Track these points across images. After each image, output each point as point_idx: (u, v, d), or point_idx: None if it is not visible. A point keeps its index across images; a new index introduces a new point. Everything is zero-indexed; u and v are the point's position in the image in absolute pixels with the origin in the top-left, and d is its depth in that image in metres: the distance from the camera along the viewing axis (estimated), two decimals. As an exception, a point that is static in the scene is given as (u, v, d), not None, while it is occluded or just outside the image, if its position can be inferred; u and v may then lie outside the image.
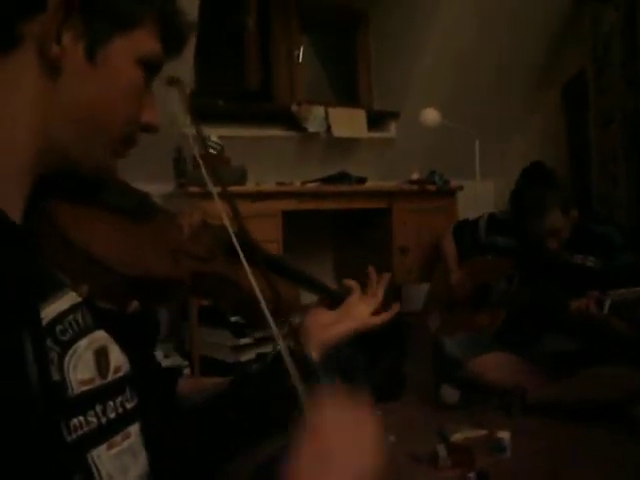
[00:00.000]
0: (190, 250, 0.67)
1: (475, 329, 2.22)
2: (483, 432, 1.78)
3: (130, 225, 0.60)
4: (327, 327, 0.83)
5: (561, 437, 1.75)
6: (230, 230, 0.69)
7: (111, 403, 0.54)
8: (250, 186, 2.50)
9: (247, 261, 0.66)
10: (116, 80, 0.54)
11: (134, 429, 0.56)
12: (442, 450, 1.60)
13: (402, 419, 1.92)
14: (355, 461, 0.50)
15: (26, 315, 0.46)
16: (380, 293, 0.88)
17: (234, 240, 0.67)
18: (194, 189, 2.17)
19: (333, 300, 0.86)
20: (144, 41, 0.55)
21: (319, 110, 2.90)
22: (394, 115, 3.15)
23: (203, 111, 2.55)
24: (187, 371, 2.34)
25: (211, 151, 2.27)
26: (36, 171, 0.52)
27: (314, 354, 0.80)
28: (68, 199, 0.55)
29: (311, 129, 2.86)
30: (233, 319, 2.30)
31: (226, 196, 0.71)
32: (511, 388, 1.95)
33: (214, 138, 2.38)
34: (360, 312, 0.86)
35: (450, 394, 2.05)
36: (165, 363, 2.24)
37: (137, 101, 0.56)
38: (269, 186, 2.56)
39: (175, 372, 2.12)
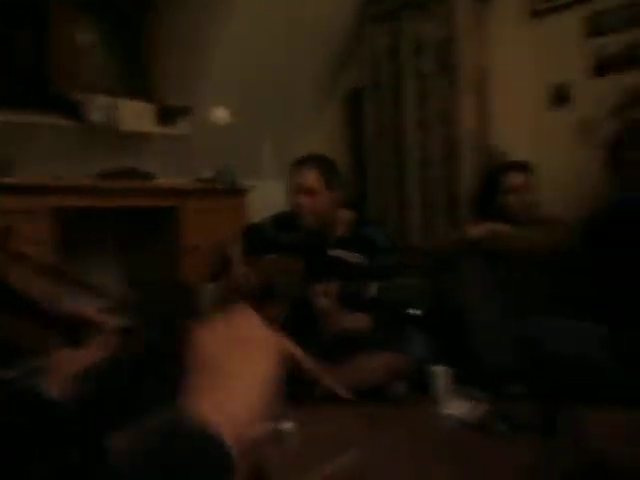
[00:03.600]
0: None
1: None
2: (269, 425, 1.82)
3: None
4: (72, 362, 0.85)
5: (345, 421, 1.87)
6: None
7: None
8: (18, 178, 2.24)
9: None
10: None
11: None
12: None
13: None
14: (247, 376, 0.51)
15: None
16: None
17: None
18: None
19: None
20: None
21: (104, 100, 2.71)
22: (186, 111, 3.08)
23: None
24: None
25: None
26: None
27: (55, 391, 0.80)
28: None
29: (95, 119, 2.67)
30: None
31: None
32: (299, 379, 2.06)
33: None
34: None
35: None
36: None
37: None
38: (41, 179, 2.31)
39: None
